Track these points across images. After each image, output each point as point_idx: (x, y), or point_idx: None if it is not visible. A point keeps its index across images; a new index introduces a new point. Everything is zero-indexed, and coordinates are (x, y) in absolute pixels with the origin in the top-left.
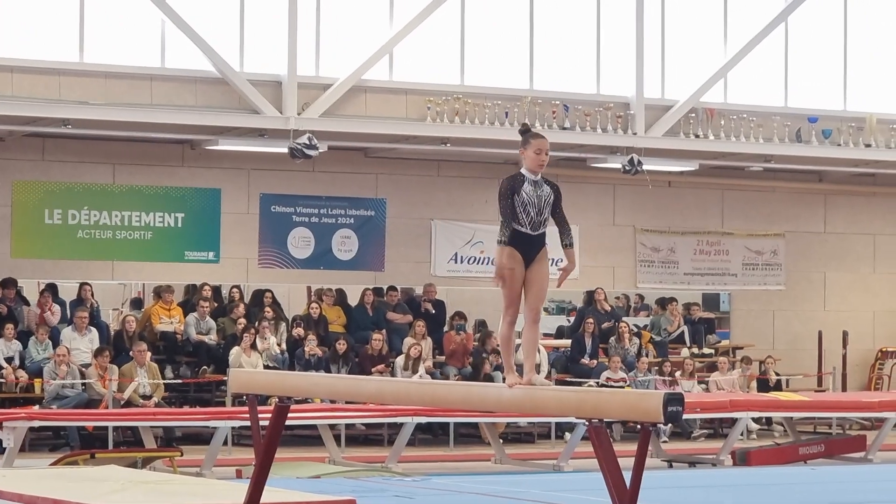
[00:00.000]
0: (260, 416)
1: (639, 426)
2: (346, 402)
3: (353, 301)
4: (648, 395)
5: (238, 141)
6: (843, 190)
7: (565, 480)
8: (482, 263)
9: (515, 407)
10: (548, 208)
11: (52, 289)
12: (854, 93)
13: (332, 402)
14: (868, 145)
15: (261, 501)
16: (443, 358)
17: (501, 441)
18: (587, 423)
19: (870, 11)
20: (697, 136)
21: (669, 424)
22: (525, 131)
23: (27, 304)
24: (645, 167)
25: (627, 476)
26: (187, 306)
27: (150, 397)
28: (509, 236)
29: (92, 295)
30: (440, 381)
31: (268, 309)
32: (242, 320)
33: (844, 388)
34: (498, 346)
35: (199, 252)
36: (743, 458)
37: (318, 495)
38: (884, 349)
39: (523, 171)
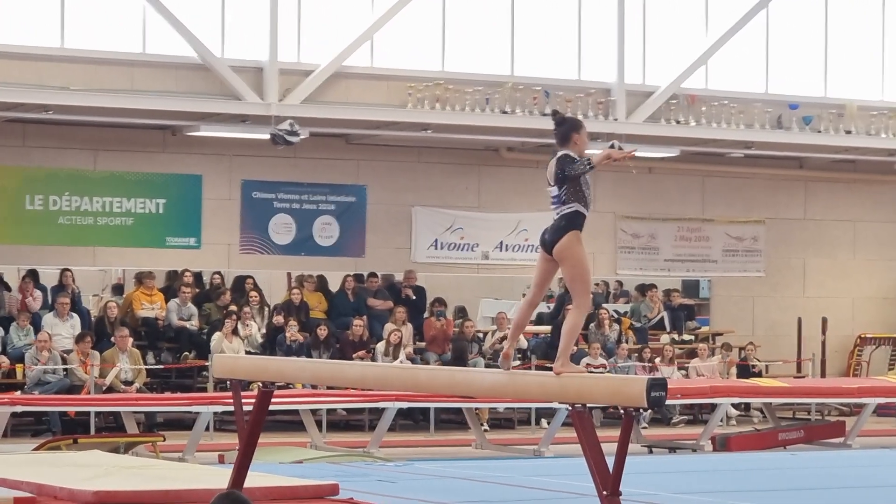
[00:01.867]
0: (243, 401)
1: (622, 411)
2: (328, 388)
3: (333, 287)
4: (632, 381)
5: (219, 127)
6: (823, 177)
7: (546, 465)
8: (462, 250)
9: (499, 392)
10: None
11: (33, 275)
12: (834, 80)
13: (314, 387)
14: (848, 132)
15: (245, 485)
16: (423, 344)
17: (485, 427)
18: (570, 407)
19: None
20: (678, 123)
21: (649, 411)
22: (563, 118)
23: (8, 289)
24: None
25: (609, 461)
26: (169, 292)
27: (131, 383)
28: (580, 222)
29: (73, 281)
30: (423, 367)
31: (253, 294)
32: (233, 307)
33: (823, 375)
34: (478, 332)
35: (181, 238)
36: (723, 444)
37: (302, 480)
38: (863, 335)
39: (573, 154)
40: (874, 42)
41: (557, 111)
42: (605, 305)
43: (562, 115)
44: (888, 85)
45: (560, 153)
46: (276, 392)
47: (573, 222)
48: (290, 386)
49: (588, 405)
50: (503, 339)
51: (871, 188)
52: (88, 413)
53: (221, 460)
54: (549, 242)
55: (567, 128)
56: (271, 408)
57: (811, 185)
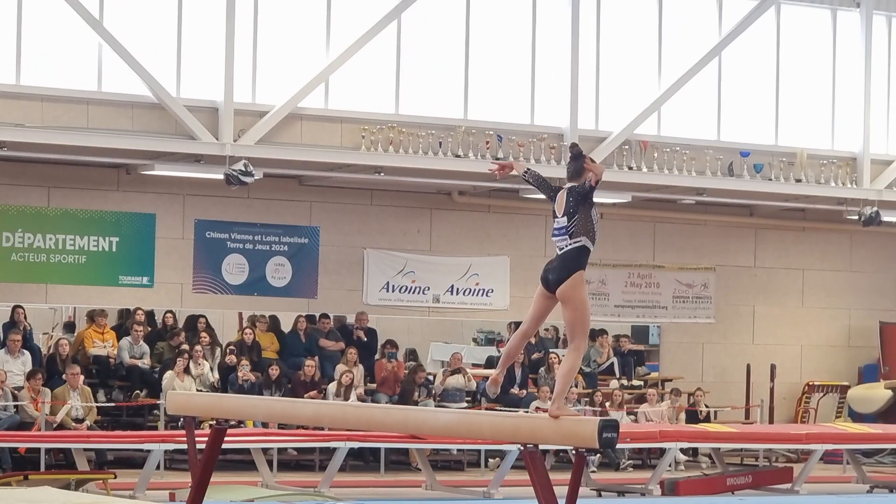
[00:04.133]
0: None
1: (573, 452)
2: (279, 427)
3: (286, 328)
4: (584, 422)
5: (174, 166)
6: (773, 224)
7: None
8: (414, 293)
9: (452, 431)
10: None
11: None
12: (785, 128)
13: (265, 426)
14: (798, 180)
15: None
16: (374, 385)
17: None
18: (522, 447)
19: (801, 48)
20: (630, 169)
21: (598, 455)
22: (580, 153)
23: None
24: None
25: (560, 503)
26: (121, 330)
27: (82, 420)
28: (584, 260)
29: (25, 318)
30: (377, 405)
31: (203, 334)
32: (185, 346)
33: (771, 421)
34: (429, 375)
35: (134, 276)
36: (672, 488)
37: None
38: (810, 383)
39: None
40: (825, 92)
41: (577, 144)
42: (554, 350)
43: (580, 149)
44: (838, 134)
45: (568, 185)
46: (228, 431)
47: (579, 261)
48: (242, 424)
49: (540, 446)
50: (454, 372)
51: (820, 237)
52: (39, 450)
53: (172, 498)
54: (552, 282)
55: (582, 163)
56: (222, 446)
57: (761, 233)
